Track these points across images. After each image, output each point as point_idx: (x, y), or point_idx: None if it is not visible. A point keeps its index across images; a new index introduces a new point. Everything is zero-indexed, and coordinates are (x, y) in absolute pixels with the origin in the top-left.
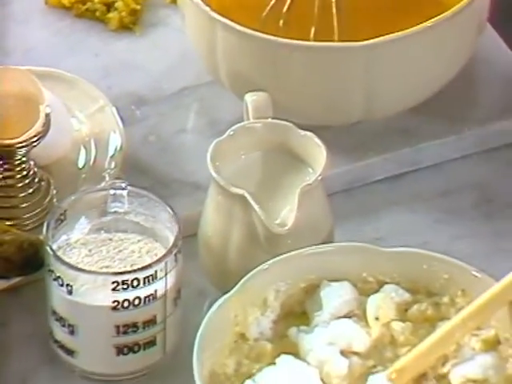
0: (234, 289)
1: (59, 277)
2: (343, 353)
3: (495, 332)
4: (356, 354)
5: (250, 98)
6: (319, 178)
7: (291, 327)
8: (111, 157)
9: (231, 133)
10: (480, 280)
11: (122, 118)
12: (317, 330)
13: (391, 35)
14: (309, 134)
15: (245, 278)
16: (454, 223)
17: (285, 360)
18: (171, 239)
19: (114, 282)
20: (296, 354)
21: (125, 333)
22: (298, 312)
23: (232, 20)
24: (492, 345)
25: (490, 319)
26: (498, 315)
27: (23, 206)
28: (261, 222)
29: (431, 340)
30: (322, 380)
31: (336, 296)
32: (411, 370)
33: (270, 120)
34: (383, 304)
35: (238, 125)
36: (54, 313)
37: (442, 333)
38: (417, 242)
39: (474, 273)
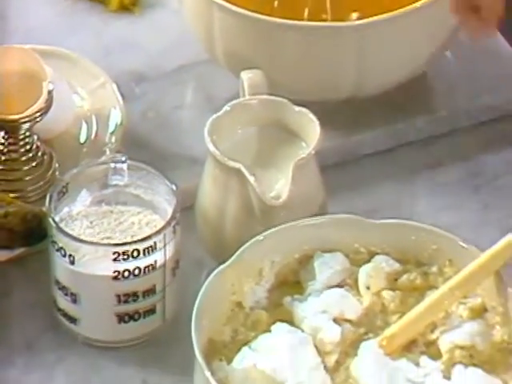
0: (231, 259)
1: (62, 248)
2: (336, 320)
3: (482, 300)
4: (348, 321)
5: (245, 75)
6: (312, 152)
7: (286, 296)
8: (112, 132)
9: (228, 109)
10: (467, 251)
11: (122, 95)
12: (310, 299)
13: (382, 15)
14: (303, 109)
15: (241, 249)
16: (442, 195)
17: (280, 327)
18: (170, 211)
19: (114, 253)
20: (290, 321)
21: (125, 301)
22: (292, 281)
23: (228, 1)
24: (479, 313)
25: (477, 288)
26: (485, 284)
27: (27, 178)
28: (256, 194)
29: (420, 308)
30: (315, 346)
31: (329, 266)
32: (401, 336)
33: (265, 96)
34: (374, 274)
35: (235, 101)
36: (57, 282)
37: (431, 301)
38: (406, 214)
39: (462, 243)
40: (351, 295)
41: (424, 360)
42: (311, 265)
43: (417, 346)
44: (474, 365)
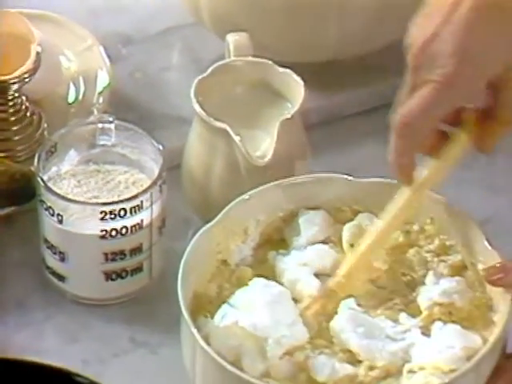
0: (216, 218)
1: (50, 207)
2: (317, 275)
3: (462, 257)
4: (329, 276)
5: (231, 37)
6: (297, 112)
7: (270, 252)
8: (99, 92)
9: (213, 70)
10: (447, 208)
11: (109, 56)
12: (293, 253)
13: None
14: (287, 70)
15: (226, 207)
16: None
17: (257, 282)
18: (156, 171)
19: (102, 212)
20: (273, 276)
21: (113, 260)
22: (277, 239)
23: None
24: (459, 270)
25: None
26: (464, 243)
27: (16, 138)
28: (242, 153)
29: (367, 241)
30: (294, 299)
31: (313, 223)
32: (355, 273)
33: (250, 58)
34: (357, 232)
35: (220, 62)
36: (46, 241)
37: (377, 233)
38: (389, 173)
39: (442, 201)
40: (334, 252)
41: (403, 317)
42: (296, 222)
43: (396, 304)
44: (453, 321)
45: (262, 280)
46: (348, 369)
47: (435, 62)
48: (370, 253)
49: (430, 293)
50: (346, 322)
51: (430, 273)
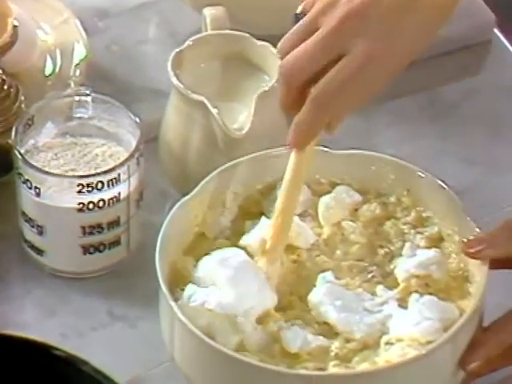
0: (194, 191)
1: (27, 180)
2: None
3: (438, 229)
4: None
5: (208, 11)
6: (275, 84)
7: (247, 222)
8: (76, 65)
9: (190, 43)
10: (425, 180)
11: (85, 30)
12: (264, 221)
13: None
14: (265, 43)
15: (204, 180)
16: (401, 126)
17: (215, 256)
18: (133, 143)
19: (79, 185)
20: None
21: (90, 233)
22: (255, 212)
23: None
24: (435, 242)
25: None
26: (441, 213)
27: None
28: (219, 126)
29: (278, 207)
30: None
31: None
32: (278, 237)
33: (227, 31)
34: (335, 204)
35: (197, 36)
36: (24, 214)
37: (285, 195)
38: (366, 145)
39: (419, 173)
40: (309, 226)
41: (380, 289)
42: (274, 195)
43: (374, 277)
44: (430, 293)
45: (219, 254)
46: (321, 340)
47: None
48: (284, 220)
49: (406, 265)
50: (323, 296)
51: (407, 245)
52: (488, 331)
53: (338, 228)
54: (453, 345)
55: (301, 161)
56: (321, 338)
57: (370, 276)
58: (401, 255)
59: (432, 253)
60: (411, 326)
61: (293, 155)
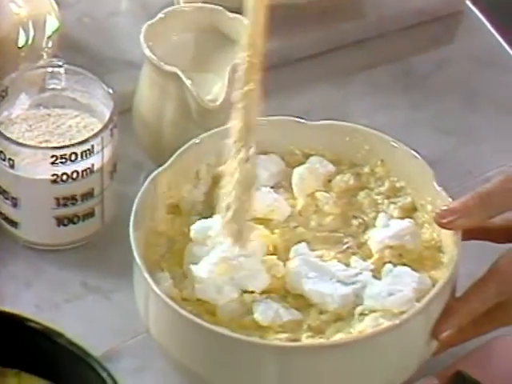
0: (168, 162)
1: (1, 151)
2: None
3: (412, 199)
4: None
5: None
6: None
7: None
8: (48, 37)
9: (162, 16)
10: (398, 150)
11: (56, 2)
12: None
13: None
14: (238, 16)
15: (178, 151)
16: (374, 96)
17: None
18: (107, 115)
19: (53, 156)
20: None
21: (64, 205)
22: None
23: None
24: (409, 212)
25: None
26: (415, 183)
27: None
28: (193, 97)
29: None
30: None
31: (264, 168)
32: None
33: (199, 4)
34: (308, 175)
35: (169, 8)
36: None
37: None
38: (340, 115)
39: (393, 143)
40: (282, 198)
41: (355, 260)
42: None
43: (348, 248)
44: (404, 264)
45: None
46: (294, 314)
47: None
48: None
49: (380, 235)
50: (297, 268)
51: (381, 215)
52: (459, 300)
53: (312, 199)
54: (426, 315)
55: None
56: (294, 311)
57: (344, 247)
58: (374, 226)
59: (405, 223)
60: (384, 297)
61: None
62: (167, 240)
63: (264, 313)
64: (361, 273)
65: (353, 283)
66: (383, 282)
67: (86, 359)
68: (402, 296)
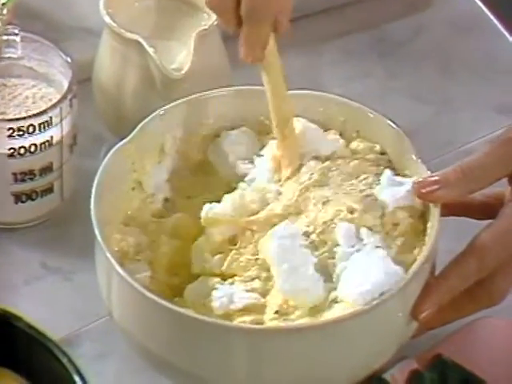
0: (130, 135)
1: None
2: None
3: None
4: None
5: None
6: (215, 23)
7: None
8: (3, 4)
9: None
10: (374, 120)
11: None
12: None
13: None
14: None
15: (141, 123)
16: (348, 64)
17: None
18: (65, 84)
19: (9, 129)
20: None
21: (22, 180)
22: (197, 161)
23: None
24: None
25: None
26: (391, 156)
27: None
28: (156, 66)
29: (275, 123)
30: None
31: (237, 143)
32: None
33: None
34: None
35: None
36: None
37: (274, 109)
38: (312, 85)
39: (369, 113)
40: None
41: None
42: (219, 146)
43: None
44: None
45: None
46: (254, 297)
47: None
48: (286, 129)
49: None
50: (272, 254)
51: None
52: (438, 277)
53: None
54: (403, 295)
55: (270, 70)
56: (254, 295)
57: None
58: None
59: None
60: (353, 288)
61: (262, 70)
62: (131, 210)
63: (218, 300)
64: (346, 258)
65: (329, 274)
66: (357, 271)
67: (45, 344)
68: (367, 291)
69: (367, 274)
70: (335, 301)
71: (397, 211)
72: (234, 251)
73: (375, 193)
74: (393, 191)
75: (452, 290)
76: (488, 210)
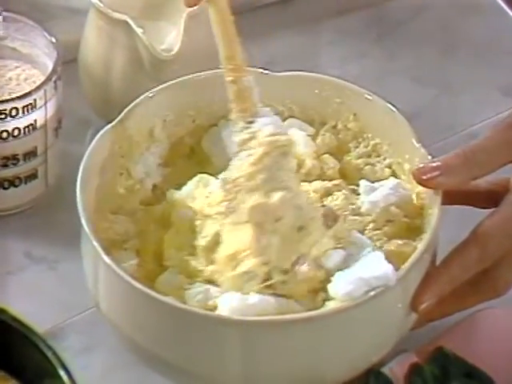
0: (118, 118)
1: None
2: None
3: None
4: None
5: None
6: (206, 2)
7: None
8: None
9: None
10: (371, 102)
11: None
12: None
13: None
14: None
15: (129, 106)
16: (345, 45)
17: None
18: (50, 66)
19: None
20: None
21: (5, 166)
22: (187, 146)
23: None
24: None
25: None
26: (389, 141)
27: None
28: (145, 47)
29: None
30: None
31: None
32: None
33: None
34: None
35: None
36: None
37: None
38: (307, 66)
39: (366, 96)
40: None
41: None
42: (217, 136)
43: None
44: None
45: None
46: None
47: None
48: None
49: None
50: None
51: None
52: (439, 267)
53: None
54: (403, 285)
55: (216, 9)
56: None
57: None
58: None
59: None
60: (342, 287)
61: (210, 11)
62: (117, 197)
63: (193, 297)
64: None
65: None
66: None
67: (29, 337)
68: (355, 290)
69: (359, 271)
70: (327, 299)
71: (388, 209)
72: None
73: (358, 203)
74: (375, 195)
75: (453, 280)
76: (493, 198)
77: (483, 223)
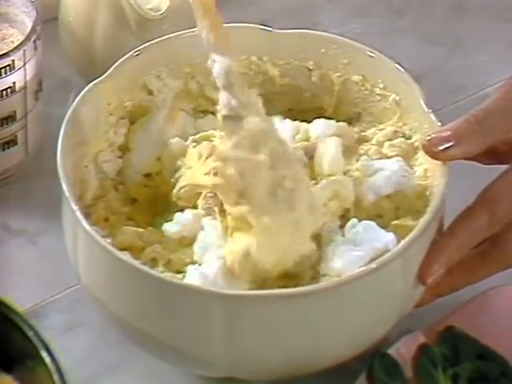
0: (107, 72)
1: None
2: None
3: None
4: None
5: None
6: None
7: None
8: None
9: None
10: (379, 62)
11: None
12: None
13: None
14: None
15: (118, 61)
16: (347, 1)
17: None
18: (29, 25)
19: None
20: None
21: None
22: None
23: None
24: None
25: None
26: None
27: None
28: (130, 5)
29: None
30: None
31: None
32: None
33: None
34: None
35: None
36: None
37: None
38: (307, 25)
39: (371, 54)
40: None
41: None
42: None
43: None
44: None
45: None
46: None
47: None
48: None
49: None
50: None
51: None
52: (445, 234)
53: None
54: (407, 256)
55: None
56: None
57: None
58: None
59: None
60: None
61: None
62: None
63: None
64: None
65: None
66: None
67: (9, 316)
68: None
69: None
70: (322, 274)
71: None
72: None
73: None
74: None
75: (461, 247)
76: (497, 154)
77: (492, 186)
